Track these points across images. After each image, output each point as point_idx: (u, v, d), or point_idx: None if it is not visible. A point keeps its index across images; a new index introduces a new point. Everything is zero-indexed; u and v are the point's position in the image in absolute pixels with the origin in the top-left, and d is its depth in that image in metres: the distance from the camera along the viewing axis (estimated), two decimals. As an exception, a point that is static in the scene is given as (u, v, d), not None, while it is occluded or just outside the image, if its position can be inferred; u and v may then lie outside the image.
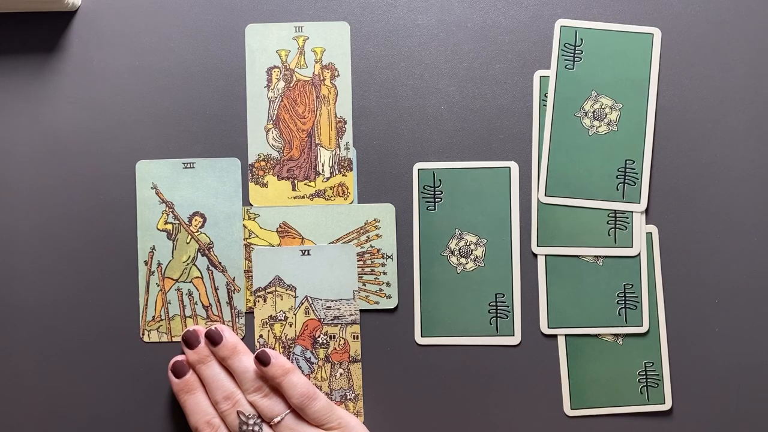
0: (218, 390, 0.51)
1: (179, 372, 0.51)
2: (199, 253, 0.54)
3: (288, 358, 0.53)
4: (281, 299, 0.53)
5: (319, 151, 0.54)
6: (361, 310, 0.54)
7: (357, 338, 0.54)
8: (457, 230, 0.54)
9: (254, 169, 0.54)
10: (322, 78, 0.54)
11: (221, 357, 0.51)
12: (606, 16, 0.54)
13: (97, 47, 0.54)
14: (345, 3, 0.54)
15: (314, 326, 0.54)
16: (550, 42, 0.54)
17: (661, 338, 0.53)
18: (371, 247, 0.54)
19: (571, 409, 0.53)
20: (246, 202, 0.54)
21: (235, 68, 0.54)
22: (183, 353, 0.52)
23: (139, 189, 0.54)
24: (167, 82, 0.54)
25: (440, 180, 0.54)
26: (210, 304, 0.54)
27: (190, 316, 0.54)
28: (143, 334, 0.54)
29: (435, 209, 0.54)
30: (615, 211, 0.53)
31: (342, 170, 0.54)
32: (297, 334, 0.54)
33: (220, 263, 0.54)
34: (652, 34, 0.54)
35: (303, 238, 0.54)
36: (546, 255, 0.54)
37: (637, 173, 0.53)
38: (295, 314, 0.54)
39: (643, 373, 0.53)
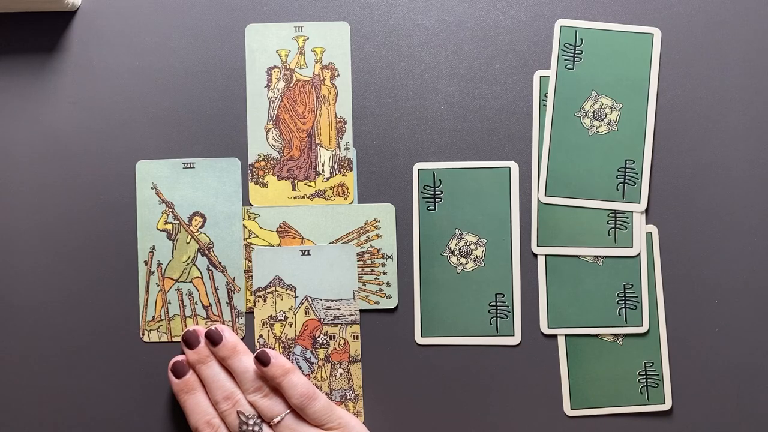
0: (218, 390, 0.51)
1: (179, 372, 0.51)
2: (199, 253, 0.54)
3: (288, 358, 0.53)
4: (281, 299, 0.53)
5: (319, 151, 0.54)
6: (361, 310, 0.54)
7: (357, 338, 0.54)
8: (457, 230, 0.54)
9: (254, 169, 0.54)
10: (322, 78, 0.54)
11: (221, 357, 0.51)
12: (606, 16, 0.54)
13: (97, 47, 0.54)
14: (345, 3, 0.54)
15: (314, 326, 0.54)
16: (550, 42, 0.54)
17: (661, 338, 0.53)
18: (371, 247, 0.54)
19: (571, 409, 0.53)
20: (246, 202, 0.54)
21: (235, 68, 0.54)
22: (183, 353, 0.52)
23: (139, 189, 0.54)
24: (167, 82, 0.54)
25: (440, 180, 0.54)
26: (210, 304, 0.54)
27: (190, 316, 0.54)
28: (143, 334, 0.54)
29: (435, 209, 0.54)
30: (615, 211, 0.53)
31: (342, 170, 0.54)
32: (297, 334, 0.54)
33: (220, 263, 0.54)
34: (652, 34, 0.54)
35: (303, 238, 0.54)
36: (546, 255, 0.54)
37: (637, 173, 0.53)
38: (295, 314, 0.54)
39: (643, 373, 0.53)
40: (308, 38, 0.54)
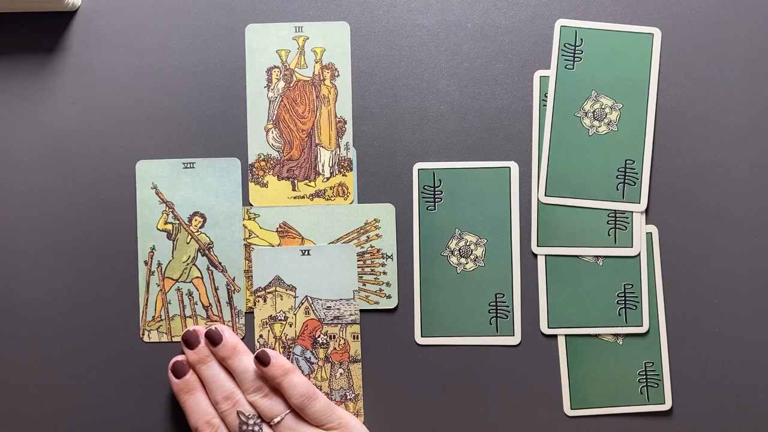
0: (218, 390, 0.51)
1: (179, 372, 0.51)
2: (199, 253, 0.54)
3: (288, 358, 0.53)
4: (281, 299, 0.53)
5: (319, 151, 0.54)
6: (361, 310, 0.54)
7: (357, 338, 0.54)
8: (457, 230, 0.54)
9: (254, 169, 0.54)
10: (322, 78, 0.54)
11: (221, 357, 0.51)
12: (606, 16, 0.54)
13: (97, 47, 0.54)
14: (345, 3, 0.54)
15: (314, 326, 0.54)
16: (550, 42, 0.54)
17: (661, 338, 0.53)
18: (371, 247, 0.54)
19: (571, 409, 0.53)
20: (246, 202, 0.54)
21: (235, 68, 0.54)
22: (183, 353, 0.52)
23: (139, 189, 0.54)
24: (167, 82, 0.54)
25: (440, 180, 0.54)
26: (210, 304, 0.54)
27: (190, 316, 0.54)
28: (143, 334, 0.54)
29: (435, 209, 0.54)
30: (615, 211, 0.53)
31: (342, 170, 0.54)
32: (297, 334, 0.54)
33: (220, 263, 0.54)
34: (652, 34, 0.54)
35: (303, 238, 0.54)
36: (546, 255, 0.54)
37: (637, 173, 0.53)
38: (295, 314, 0.54)
39: (643, 373, 0.53)
40: (308, 38, 0.54)
